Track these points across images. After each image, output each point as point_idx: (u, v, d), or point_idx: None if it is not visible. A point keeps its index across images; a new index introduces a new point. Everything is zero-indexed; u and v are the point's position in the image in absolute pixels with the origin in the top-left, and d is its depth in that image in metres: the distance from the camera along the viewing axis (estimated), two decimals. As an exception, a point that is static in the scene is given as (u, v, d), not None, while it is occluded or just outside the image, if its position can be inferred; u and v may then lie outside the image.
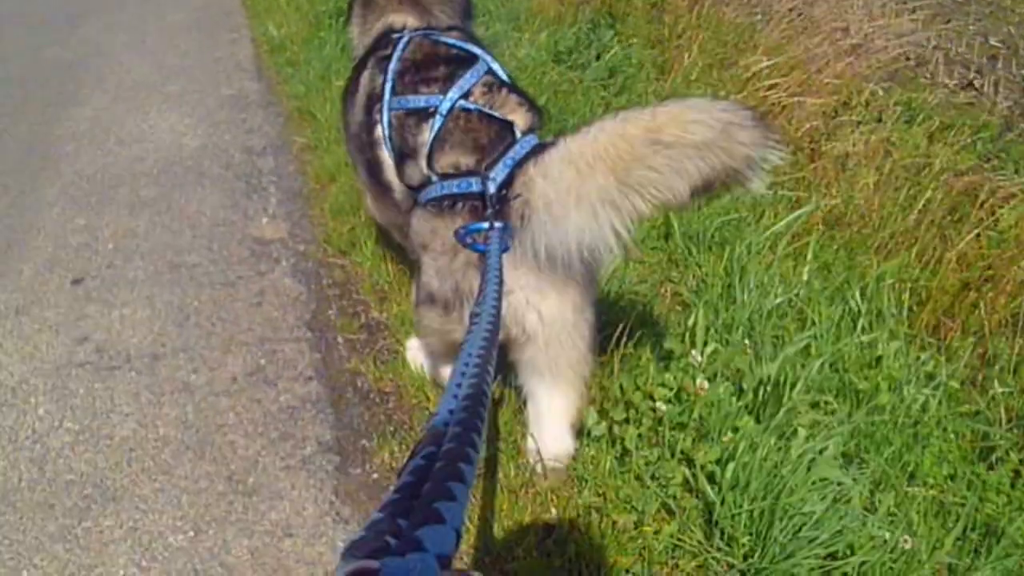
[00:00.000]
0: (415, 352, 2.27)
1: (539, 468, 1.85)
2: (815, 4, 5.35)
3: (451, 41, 1.83)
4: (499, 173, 1.54)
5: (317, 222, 3.21)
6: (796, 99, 4.21)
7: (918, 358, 2.19)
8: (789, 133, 3.70)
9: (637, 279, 2.57)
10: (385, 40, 1.92)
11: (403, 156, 1.74)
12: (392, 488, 0.58)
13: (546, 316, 1.60)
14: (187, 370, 2.41)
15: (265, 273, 2.90)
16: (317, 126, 4.03)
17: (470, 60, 1.75)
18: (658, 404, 1.86)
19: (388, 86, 1.77)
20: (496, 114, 1.64)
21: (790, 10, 5.27)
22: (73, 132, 4.17)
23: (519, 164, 1.52)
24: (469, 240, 1.50)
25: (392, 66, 1.79)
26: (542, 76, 4.00)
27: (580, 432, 1.91)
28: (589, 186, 1.39)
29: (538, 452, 1.85)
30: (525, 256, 1.49)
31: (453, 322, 1.65)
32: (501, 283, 1.21)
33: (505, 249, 1.42)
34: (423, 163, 1.67)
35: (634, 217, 1.41)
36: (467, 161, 1.61)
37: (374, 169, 1.89)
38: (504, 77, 1.75)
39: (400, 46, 1.83)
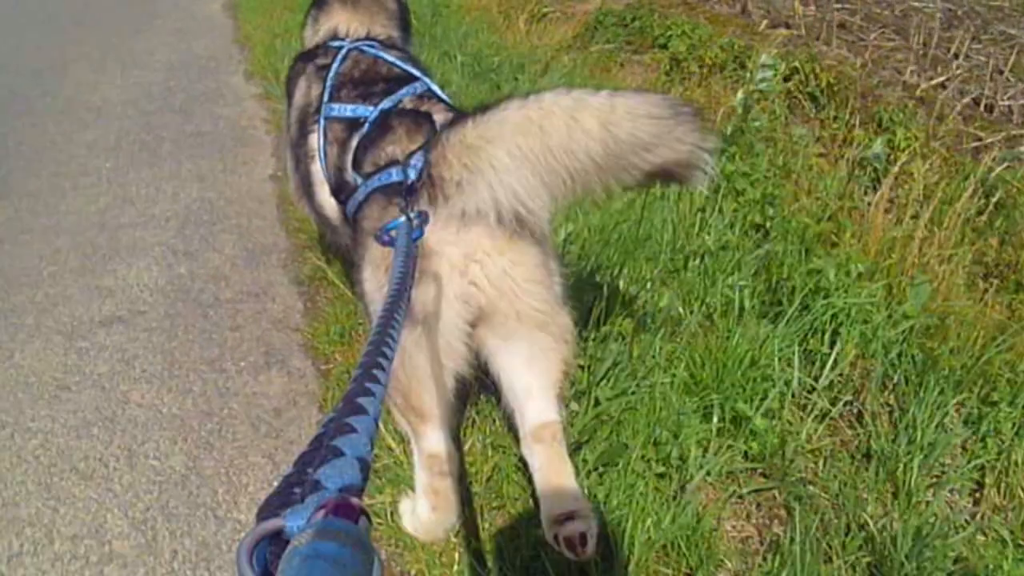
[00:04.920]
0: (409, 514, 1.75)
1: (525, 450, 1.62)
2: None
3: (392, 59, 1.89)
4: (419, 159, 1.48)
5: None
6: None
7: None
8: None
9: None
10: (324, 48, 2.00)
11: (340, 177, 1.74)
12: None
13: (510, 272, 1.47)
14: None
15: None
16: None
17: (409, 80, 1.81)
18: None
19: (326, 96, 1.81)
20: (417, 108, 1.66)
21: None
22: None
23: (451, 128, 1.45)
24: (387, 239, 1.42)
25: (331, 79, 1.84)
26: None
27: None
28: (534, 157, 1.35)
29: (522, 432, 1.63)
30: (469, 219, 1.41)
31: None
32: (409, 271, 1.15)
33: (418, 236, 1.37)
34: (349, 168, 1.67)
35: (574, 191, 1.40)
36: (387, 154, 1.58)
37: (308, 186, 1.89)
38: (440, 95, 1.78)
39: (339, 58, 1.89)
